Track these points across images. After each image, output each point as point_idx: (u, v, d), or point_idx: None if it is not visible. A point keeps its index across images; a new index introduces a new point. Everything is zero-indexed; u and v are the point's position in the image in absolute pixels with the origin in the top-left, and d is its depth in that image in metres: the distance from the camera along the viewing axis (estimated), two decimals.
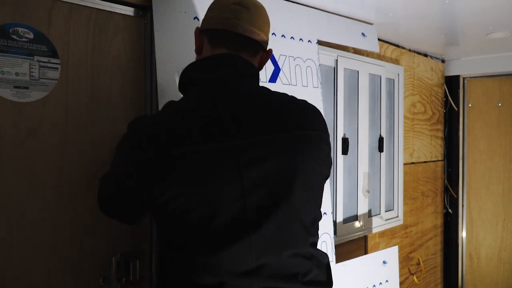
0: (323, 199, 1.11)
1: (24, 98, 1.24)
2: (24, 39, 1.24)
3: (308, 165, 1.01)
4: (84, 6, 1.36)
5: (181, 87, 1.09)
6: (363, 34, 2.26)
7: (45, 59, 1.28)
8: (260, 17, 1.08)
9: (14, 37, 1.22)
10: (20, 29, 1.23)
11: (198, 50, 1.12)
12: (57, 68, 1.30)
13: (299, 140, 1.00)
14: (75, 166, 1.34)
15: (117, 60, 1.44)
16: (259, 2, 1.12)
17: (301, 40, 1.91)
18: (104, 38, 1.41)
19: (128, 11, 1.46)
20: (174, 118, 0.97)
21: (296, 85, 1.84)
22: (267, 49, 1.15)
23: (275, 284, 0.95)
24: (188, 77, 1.07)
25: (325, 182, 1.10)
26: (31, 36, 1.25)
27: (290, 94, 1.10)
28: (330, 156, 1.12)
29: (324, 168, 1.07)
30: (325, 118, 1.14)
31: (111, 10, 1.42)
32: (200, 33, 1.11)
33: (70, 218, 1.33)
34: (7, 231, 1.21)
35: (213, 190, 0.92)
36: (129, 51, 1.47)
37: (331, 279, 1.07)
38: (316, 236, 1.06)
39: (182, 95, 1.11)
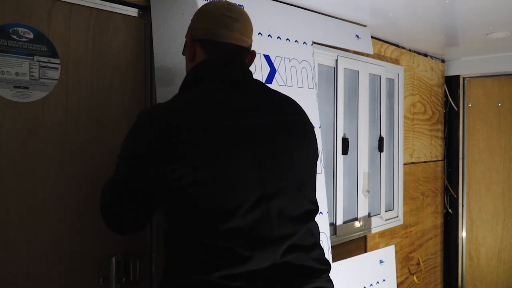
0: (318, 199, 1.25)
1: (24, 98, 1.24)
2: (24, 39, 1.24)
3: (307, 144, 1.18)
4: (84, 6, 1.36)
5: (187, 83, 1.18)
6: (357, 36, 2.29)
7: (45, 59, 1.28)
8: (247, 25, 1.21)
9: (14, 37, 1.22)
10: (20, 29, 1.23)
11: (192, 58, 1.21)
12: (57, 68, 1.30)
13: (298, 123, 1.18)
14: (75, 166, 1.34)
15: (117, 60, 1.44)
16: (243, 10, 1.24)
17: (296, 42, 1.93)
18: (104, 38, 1.41)
19: (128, 11, 1.46)
20: (188, 103, 1.06)
21: (291, 86, 1.86)
22: (251, 50, 1.27)
23: (294, 260, 1.04)
24: (196, 75, 1.16)
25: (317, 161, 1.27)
26: (31, 36, 1.25)
27: (285, 95, 1.24)
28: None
29: (317, 148, 1.25)
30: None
31: (111, 10, 1.42)
32: (192, 42, 1.20)
33: (70, 218, 1.33)
34: (7, 231, 1.21)
35: (231, 164, 1.01)
36: (129, 51, 1.47)
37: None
38: (318, 209, 1.19)
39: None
